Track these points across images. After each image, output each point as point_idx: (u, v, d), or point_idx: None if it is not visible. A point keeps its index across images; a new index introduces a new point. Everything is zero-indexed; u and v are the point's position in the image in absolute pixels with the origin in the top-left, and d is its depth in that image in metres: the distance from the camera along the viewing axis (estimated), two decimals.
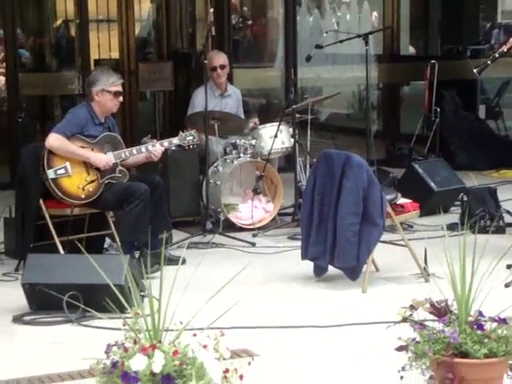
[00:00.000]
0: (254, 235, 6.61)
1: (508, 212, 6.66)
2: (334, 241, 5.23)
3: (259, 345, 4.21)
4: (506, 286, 5.05)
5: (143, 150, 5.81)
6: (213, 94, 7.18)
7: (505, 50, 5.63)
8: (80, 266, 4.68)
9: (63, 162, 5.62)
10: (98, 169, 5.69)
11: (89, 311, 3.73)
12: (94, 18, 10.00)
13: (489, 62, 5.62)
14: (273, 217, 6.95)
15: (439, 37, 11.19)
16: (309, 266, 5.42)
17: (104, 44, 10.16)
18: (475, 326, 3.05)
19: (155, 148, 5.77)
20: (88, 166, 5.68)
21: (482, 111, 10.09)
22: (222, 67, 7.22)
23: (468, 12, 10.87)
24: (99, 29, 10.33)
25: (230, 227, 6.74)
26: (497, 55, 5.62)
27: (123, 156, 5.75)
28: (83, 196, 5.66)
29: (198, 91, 7.16)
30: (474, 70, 5.63)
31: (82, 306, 4.11)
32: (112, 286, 3.26)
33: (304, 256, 5.41)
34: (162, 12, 10.18)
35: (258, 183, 6.91)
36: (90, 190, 5.67)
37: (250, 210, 6.80)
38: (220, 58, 7.23)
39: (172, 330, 3.07)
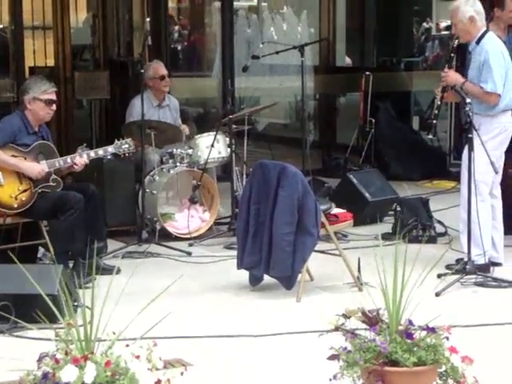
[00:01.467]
0: (190, 245, 6.61)
1: (439, 222, 6.78)
2: (269, 250, 5.26)
3: (193, 354, 4.21)
4: (437, 295, 5.14)
5: (77, 158, 5.75)
6: (151, 103, 7.18)
7: (439, 103, 5.73)
8: (12, 275, 4.62)
9: None
10: (31, 178, 5.62)
11: (20, 322, 3.68)
12: (29, 24, 9.88)
13: (434, 121, 5.71)
14: (209, 226, 6.95)
15: (374, 49, 11.35)
16: (244, 275, 5.44)
17: (39, 51, 10.05)
18: (405, 335, 3.09)
19: (79, 159, 5.70)
20: (21, 175, 5.61)
21: (415, 123, 10.26)
22: (168, 76, 7.27)
23: (402, 24, 11.06)
24: (35, 36, 10.21)
25: (166, 237, 6.73)
26: (436, 111, 5.71)
27: (57, 165, 5.70)
28: (16, 205, 5.59)
29: (135, 101, 7.15)
30: (429, 136, 5.73)
31: (13, 318, 4.06)
32: (44, 296, 3.22)
33: (240, 265, 5.43)
34: (98, 20, 10.12)
35: (194, 192, 6.91)
36: (23, 199, 5.60)
37: (187, 220, 6.80)
38: (163, 67, 7.28)
39: (104, 341, 3.05)
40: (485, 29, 5.71)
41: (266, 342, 4.47)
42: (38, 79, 5.88)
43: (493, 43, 5.70)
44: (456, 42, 5.72)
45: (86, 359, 2.85)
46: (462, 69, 6.05)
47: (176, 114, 7.45)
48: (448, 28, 7.16)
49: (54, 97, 5.75)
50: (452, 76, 5.68)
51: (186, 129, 7.28)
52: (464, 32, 5.67)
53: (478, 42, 5.67)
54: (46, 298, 3.20)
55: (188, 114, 9.54)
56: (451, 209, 7.08)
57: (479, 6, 5.69)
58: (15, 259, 4.00)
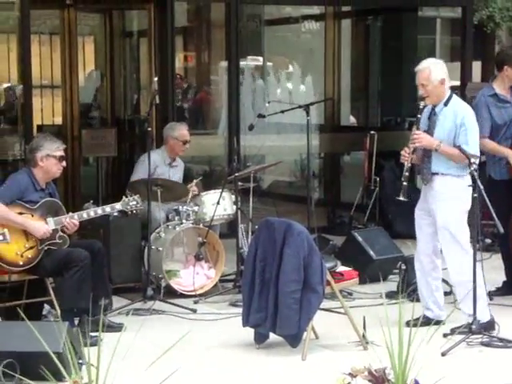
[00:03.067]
0: (195, 302, 6.60)
1: (444, 281, 6.76)
2: (275, 308, 5.26)
3: None
4: (443, 354, 5.12)
5: (84, 215, 5.79)
6: (163, 161, 7.27)
7: (409, 165, 5.70)
8: (17, 333, 4.62)
9: (1, 228, 5.55)
10: None
11: (25, 380, 3.68)
12: (37, 83, 10.02)
13: (405, 183, 5.70)
14: (214, 283, 6.95)
15: (379, 108, 11.45)
16: (250, 332, 5.43)
17: (47, 109, 10.18)
18: None
19: (71, 220, 5.71)
20: (27, 232, 5.64)
21: (419, 181, 10.29)
22: (189, 142, 7.38)
23: (406, 84, 11.17)
24: (43, 94, 10.34)
25: (171, 293, 6.72)
26: (406, 174, 5.68)
27: (64, 222, 5.72)
28: (21, 263, 5.60)
29: (144, 157, 7.20)
30: (401, 198, 5.72)
31: (18, 376, 4.05)
32: (50, 354, 3.23)
33: (245, 323, 5.42)
34: (106, 78, 10.26)
35: (200, 249, 6.93)
36: (29, 256, 5.62)
37: (192, 277, 6.80)
38: (187, 132, 7.41)
39: None
40: (450, 91, 5.73)
41: None
42: (48, 136, 5.95)
43: (467, 106, 5.77)
44: (422, 103, 5.67)
45: None
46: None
47: (181, 175, 7.54)
48: (454, 88, 7.22)
49: (64, 153, 5.84)
50: (426, 137, 5.64)
51: (196, 190, 7.31)
52: (434, 94, 5.64)
53: (445, 104, 5.68)
54: (52, 355, 3.21)
55: (195, 172, 9.61)
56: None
57: (446, 69, 5.73)
58: (23, 315, 4.01)
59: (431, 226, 5.80)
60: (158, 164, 7.03)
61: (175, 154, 7.37)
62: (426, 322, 5.40)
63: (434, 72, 5.66)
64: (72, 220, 5.70)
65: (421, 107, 5.69)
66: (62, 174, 6.11)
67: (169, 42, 8.89)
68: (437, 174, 5.69)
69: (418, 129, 5.69)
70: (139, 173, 7.11)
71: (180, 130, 7.38)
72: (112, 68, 10.10)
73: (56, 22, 9.56)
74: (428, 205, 5.78)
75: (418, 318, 5.65)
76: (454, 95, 5.81)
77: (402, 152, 5.71)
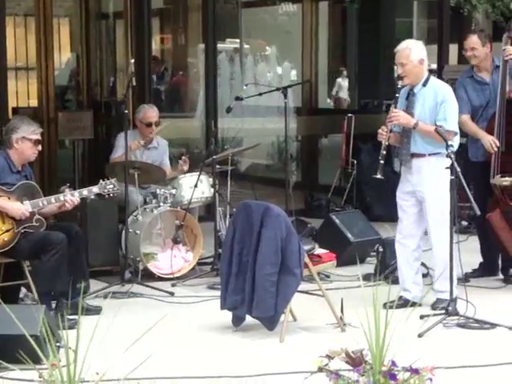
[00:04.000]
0: (172, 285, 6.60)
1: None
2: (252, 290, 5.26)
3: None
4: (419, 336, 5.15)
5: (61, 198, 5.75)
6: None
7: (386, 143, 5.70)
8: None
9: None
10: (14, 218, 5.61)
11: (3, 363, 3.66)
12: (12, 65, 9.92)
13: (381, 161, 5.71)
14: (192, 266, 6.95)
15: (356, 91, 11.47)
16: (227, 315, 5.43)
17: (23, 92, 10.09)
18: (388, 376, 3.10)
19: (70, 197, 5.71)
20: (3, 214, 5.60)
21: (397, 164, 10.33)
22: (156, 123, 7.28)
23: (384, 67, 11.19)
24: (18, 76, 10.25)
25: (149, 277, 6.72)
26: (384, 152, 5.70)
27: (41, 205, 5.69)
28: None
29: (121, 134, 7.16)
30: (378, 176, 5.72)
31: None
32: (27, 337, 3.22)
33: (223, 305, 5.43)
34: (82, 61, 10.18)
35: (177, 232, 6.92)
36: (5, 239, 5.59)
37: (170, 260, 6.80)
38: (155, 114, 7.27)
39: (88, 382, 3.05)
40: (428, 73, 5.80)
41: (250, 383, 4.45)
42: (25, 119, 5.90)
43: (446, 85, 5.86)
44: (400, 82, 5.72)
45: None
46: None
47: (164, 155, 7.46)
48: (432, 71, 7.25)
49: (40, 137, 5.80)
50: (403, 115, 5.69)
51: (185, 165, 7.24)
52: (412, 74, 5.70)
53: (424, 85, 5.74)
54: (29, 338, 3.20)
55: (172, 155, 9.57)
56: (429, 250, 7.11)
57: (425, 51, 5.80)
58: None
59: (414, 206, 5.85)
60: (130, 142, 6.88)
61: (144, 136, 7.29)
62: (403, 303, 5.45)
63: (414, 51, 5.72)
64: (74, 197, 5.68)
65: (399, 86, 5.75)
66: (39, 157, 6.08)
67: (145, 23, 8.84)
68: (421, 155, 5.73)
69: (395, 108, 5.72)
70: (119, 147, 7.03)
71: (144, 113, 7.26)
72: (88, 50, 10.01)
73: (31, 3, 9.46)
74: (412, 186, 5.82)
75: (395, 300, 5.72)
76: (432, 76, 5.88)
77: (380, 130, 5.74)
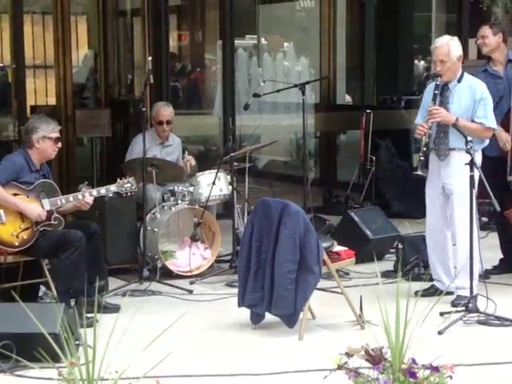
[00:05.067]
0: (191, 282, 6.59)
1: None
2: (271, 288, 5.24)
3: None
4: (439, 333, 5.12)
5: (79, 197, 5.76)
6: (154, 142, 7.22)
7: (427, 140, 5.76)
8: (13, 314, 4.61)
9: None
10: None
11: (22, 361, 3.67)
12: (30, 63, 9.96)
13: (422, 158, 5.77)
14: (210, 264, 6.94)
15: (374, 87, 11.41)
16: (246, 313, 5.42)
17: (41, 90, 10.12)
18: (408, 374, 3.08)
19: (85, 198, 5.72)
20: (23, 212, 5.62)
21: (415, 160, 10.28)
22: (169, 122, 7.27)
23: (402, 63, 11.13)
24: (36, 74, 10.28)
25: (168, 274, 6.71)
26: (425, 149, 5.76)
27: (59, 203, 5.70)
28: (17, 243, 5.58)
29: (138, 138, 7.17)
30: (419, 172, 5.76)
31: (15, 357, 4.04)
32: (46, 335, 3.22)
33: (241, 303, 5.41)
34: (99, 58, 10.19)
35: (195, 230, 6.91)
36: (25, 237, 5.60)
37: (188, 257, 6.79)
38: (167, 113, 7.27)
39: (107, 380, 3.04)
40: (462, 69, 5.84)
41: (268, 381, 4.44)
42: (43, 118, 5.91)
43: (481, 82, 5.89)
44: (439, 79, 5.76)
45: None
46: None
47: (179, 153, 7.46)
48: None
49: (59, 135, 5.82)
50: (444, 112, 5.73)
51: (191, 159, 7.26)
52: (451, 71, 5.75)
53: (459, 81, 5.79)
54: (48, 337, 3.20)
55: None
56: (453, 246, 7.07)
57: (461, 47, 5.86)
58: (17, 298, 3.99)
59: (442, 201, 5.88)
60: (148, 145, 6.91)
61: (158, 134, 7.29)
62: (434, 292, 5.59)
63: (453, 48, 5.77)
64: (86, 197, 5.69)
65: (437, 83, 5.77)
66: (57, 155, 6.09)
67: (162, 20, 8.84)
68: (454, 149, 5.75)
69: (435, 104, 5.75)
70: (133, 154, 7.07)
71: (157, 111, 7.26)
72: (105, 47, 10.02)
73: (48, 1, 9.49)
74: (441, 180, 5.83)
75: (427, 289, 5.72)
76: (465, 72, 5.89)
77: (419, 127, 5.78)
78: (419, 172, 5.78)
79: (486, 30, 6.43)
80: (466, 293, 5.55)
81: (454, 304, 5.69)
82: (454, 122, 5.67)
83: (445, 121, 5.74)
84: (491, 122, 5.75)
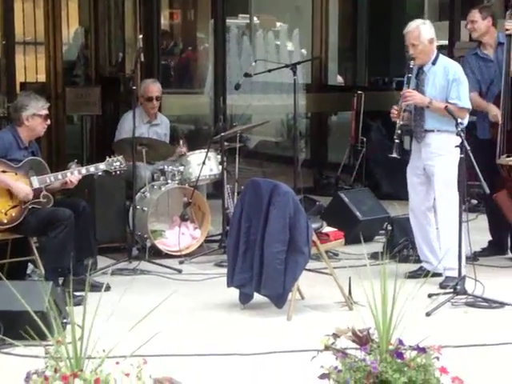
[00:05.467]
0: (180, 262, 6.59)
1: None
2: (260, 268, 5.25)
3: (183, 373, 4.18)
4: (427, 314, 5.14)
5: (68, 175, 5.74)
6: (141, 120, 7.17)
7: (401, 123, 5.80)
8: (1, 292, 4.59)
9: None
10: None
11: (8, 340, 3.66)
12: (20, 39, 9.88)
13: (397, 140, 5.80)
14: (200, 243, 6.94)
15: (366, 68, 11.38)
16: (235, 293, 5.42)
17: (31, 67, 10.05)
18: (395, 355, 3.09)
19: (71, 176, 5.70)
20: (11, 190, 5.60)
21: (406, 142, 10.28)
22: (158, 98, 7.24)
23: (394, 44, 11.10)
24: (26, 51, 10.20)
25: (157, 254, 6.71)
26: (399, 131, 5.80)
27: (48, 181, 5.68)
28: (6, 221, 5.56)
29: (126, 116, 7.16)
30: (393, 155, 5.78)
31: (1, 336, 4.03)
32: (33, 314, 3.21)
33: (230, 283, 5.41)
34: (90, 36, 10.12)
35: (185, 210, 6.90)
36: (13, 214, 5.58)
37: (177, 237, 6.78)
38: (156, 89, 7.24)
39: (94, 358, 3.04)
40: (437, 51, 5.88)
41: (257, 361, 4.45)
42: (32, 95, 5.87)
43: (455, 63, 5.95)
44: (412, 63, 5.82)
45: (76, 377, 2.84)
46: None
47: (166, 132, 7.44)
48: (443, 47, 7.27)
49: (48, 112, 5.79)
50: (417, 95, 5.79)
51: (183, 151, 7.23)
52: (424, 53, 5.80)
53: (433, 63, 5.83)
54: (35, 315, 3.19)
55: (180, 132, 9.54)
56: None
57: (434, 29, 5.87)
58: (2, 276, 3.98)
59: (424, 184, 5.93)
60: (136, 123, 6.87)
61: (147, 111, 7.26)
62: (423, 273, 5.57)
63: (424, 32, 5.81)
64: (74, 175, 5.67)
65: (411, 66, 5.83)
66: (46, 133, 6.07)
67: None
68: (431, 131, 5.82)
69: (409, 87, 5.81)
70: (122, 132, 7.05)
71: (145, 88, 7.21)
72: (96, 25, 9.95)
73: None
74: (421, 162, 5.87)
75: (415, 270, 5.75)
76: (441, 54, 5.96)
77: (392, 110, 5.83)
78: (394, 155, 5.82)
79: (475, 15, 6.41)
80: (454, 274, 5.58)
81: (442, 286, 5.71)
82: (427, 105, 5.73)
83: (418, 103, 5.80)
84: (464, 102, 5.75)
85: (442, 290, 5.56)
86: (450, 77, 5.75)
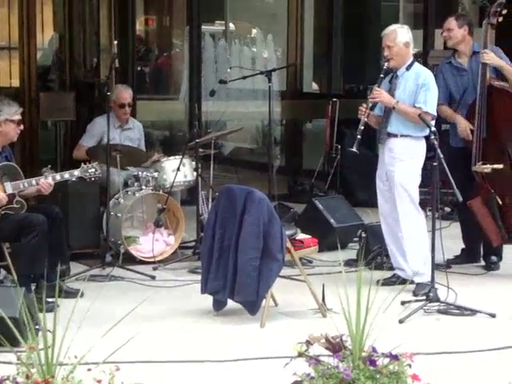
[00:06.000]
0: (154, 268, 6.57)
1: None
2: (234, 275, 5.24)
3: (156, 380, 4.17)
4: (400, 321, 5.16)
5: (42, 180, 5.71)
6: (113, 125, 7.14)
7: (365, 119, 5.86)
8: None
9: None
10: None
11: None
12: None
13: (358, 136, 5.86)
14: (174, 250, 6.92)
15: (341, 75, 11.43)
16: (208, 299, 5.42)
17: (4, 71, 9.99)
18: (368, 362, 3.10)
19: (45, 181, 5.67)
20: None
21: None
22: (130, 105, 7.24)
23: (369, 52, 11.16)
24: (0, 56, 10.14)
25: (131, 260, 6.68)
26: (362, 128, 5.85)
27: (21, 187, 5.64)
28: None
29: (97, 120, 7.17)
30: (353, 149, 5.85)
31: None
32: (6, 319, 3.19)
33: (204, 290, 5.41)
34: (64, 41, 10.08)
35: (159, 216, 6.89)
36: None
37: (151, 243, 6.76)
38: (128, 95, 7.24)
39: (66, 365, 3.02)
40: (412, 58, 5.99)
41: (230, 368, 4.44)
42: (5, 100, 5.85)
43: (427, 70, 6.04)
44: (386, 64, 5.92)
45: (47, 383, 2.82)
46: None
47: (140, 137, 7.42)
48: (417, 56, 7.32)
49: (21, 117, 5.77)
50: (385, 94, 5.87)
51: (160, 157, 7.22)
52: (398, 56, 5.89)
53: (407, 69, 5.92)
54: (8, 321, 3.17)
55: (154, 139, 9.53)
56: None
57: (411, 35, 5.99)
58: None
59: (389, 190, 5.97)
60: (106, 128, 6.84)
61: (118, 117, 7.25)
62: (395, 281, 5.69)
63: (400, 34, 5.92)
64: (47, 181, 5.63)
65: (384, 67, 5.96)
66: (20, 138, 6.03)
67: (129, 4, 8.77)
68: (394, 135, 5.89)
69: (379, 87, 5.90)
70: (86, 137, 7.08)
71: (117, 94, 7.20)
72: (71, 30, 9.91)
73: None
74: (385, 166, 5.92)
75: (389, 277, 5.78)
76: (416, 62, 6.06)
77: (360, 107, 5.92)
78: (353, 149, 5.88)
79: (451, 23, 6.44)
80: (424, 279, 5.65)
81: (415, 293, 5.73)
82: (393, 105, 5.80)
83: (385, 102, 5.89)
84: (430, 107, 5.82)
85: (415, 298, 5.59)
86: (420, 81, 5.84)
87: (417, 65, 5.99)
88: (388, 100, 5.86)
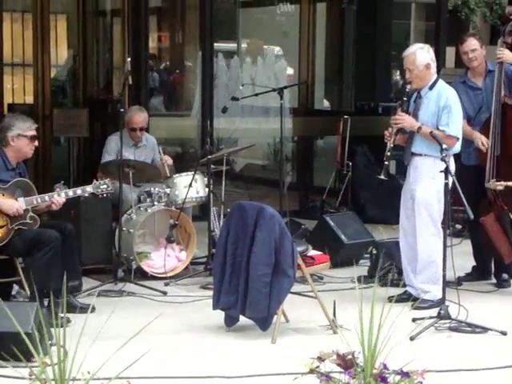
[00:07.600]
0: (166, 284, 6.59)
1: None
2: (245, 291, 5.26)
3: None
4: (411, 339, 5.16)
5: (55, 196, 5.75)
6: (127, 143, 7.18)
7: (392, 145, 5.88)
8: None
9: None
10: (8, 214, 5.60)
11: None
12: (8, 61, 9.91)
13: (386, 162, 5.89)
14: (185, 266, 6.95)
15: (352, 93, 11.47)
16: (220, 315, 5.43)
17: (18, 88, 10.08)
18: (379, 379, 3.11)
19: (57, 198, 5.70)
20: None
21: (392, 166, 10.34)
22: (142, 129, 7.26)
23: (380, 69, 11.20)
24: (14, 72, 10.23)
25: (142, 276, 6.71)
26: (388, 153, 5.87)
27: (35, 202, 5.68)
28: None
29: (111, 138, 7.20)
30: (381, 177, 5.87)
31: None
32: (21, 334, 3.21)
33: (215, 305, 5.42)
34: (79, 58, 10.17)
35: (171, 232, 6.91)
36: (0, 235, 5.58)
37: (163, 259, 6.79)
38: (140, 119, 7.23)
39: (79, 380, 3.04)
40: (436, 76, 5.96)
41: (241, 383, 4.45)
42: (19, 116, 5.90)
43: (451, 90, 5.98)
44: (408, 87, 5.91)
45: None
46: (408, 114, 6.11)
47: (154, 152, 7.45)
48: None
49: (35, 133, 5.80)
50: (408, 120, 5.87)
51: (168, 159, 7.25)
52: (419, 78, 5.88)
53: (430, 88, 5.90)
54: (24, 336, 3.19)
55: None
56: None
57: (433, 54, 5.97)
58: None
59: (412, 208, 5.96)
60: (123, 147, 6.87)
61: (131, 137, 7.27)
62: (407, 298, 5.67)
63: (419, 57, 5.87)
64: (60, 197, 5.67)
65: (407, 90, 5.93)
66: (34, 154, 6.06)
67: (142, 21, 8.83)
68: (418, 154, 5.89)
69: (402, 110, 5.89)
70: (105, 157, 7.09)
71: (130, 117, 7.17)
72: (85, 47, 10.00)
73: None
74: (409, 185, 5.94)
75: (400, 294, 5.78)
76: (440, 79, 6.02)
77: (385, 132, 5.92)
78: (381, 176, 5.91)
79: (473, 42, 6.33)
80: (430, 297, 5.65)
81: (415, 307, 5.70)
82: (417, 130, 5.80)
83: (407, 127, 5.88)
84: (453, 129, 5.80)
85: (427, 315, 5.58)
86: (442, 103, 5.81)
87: (440, 83, 5.93)
88: (411, 124, 5.84)
